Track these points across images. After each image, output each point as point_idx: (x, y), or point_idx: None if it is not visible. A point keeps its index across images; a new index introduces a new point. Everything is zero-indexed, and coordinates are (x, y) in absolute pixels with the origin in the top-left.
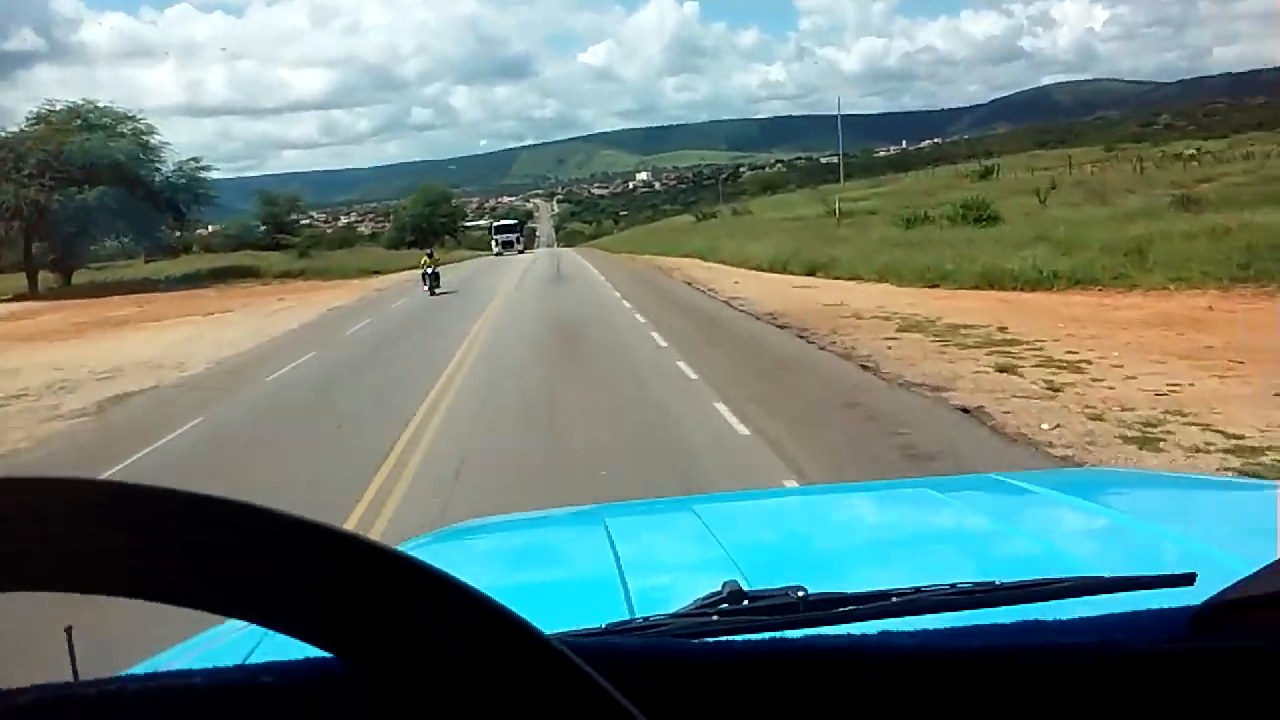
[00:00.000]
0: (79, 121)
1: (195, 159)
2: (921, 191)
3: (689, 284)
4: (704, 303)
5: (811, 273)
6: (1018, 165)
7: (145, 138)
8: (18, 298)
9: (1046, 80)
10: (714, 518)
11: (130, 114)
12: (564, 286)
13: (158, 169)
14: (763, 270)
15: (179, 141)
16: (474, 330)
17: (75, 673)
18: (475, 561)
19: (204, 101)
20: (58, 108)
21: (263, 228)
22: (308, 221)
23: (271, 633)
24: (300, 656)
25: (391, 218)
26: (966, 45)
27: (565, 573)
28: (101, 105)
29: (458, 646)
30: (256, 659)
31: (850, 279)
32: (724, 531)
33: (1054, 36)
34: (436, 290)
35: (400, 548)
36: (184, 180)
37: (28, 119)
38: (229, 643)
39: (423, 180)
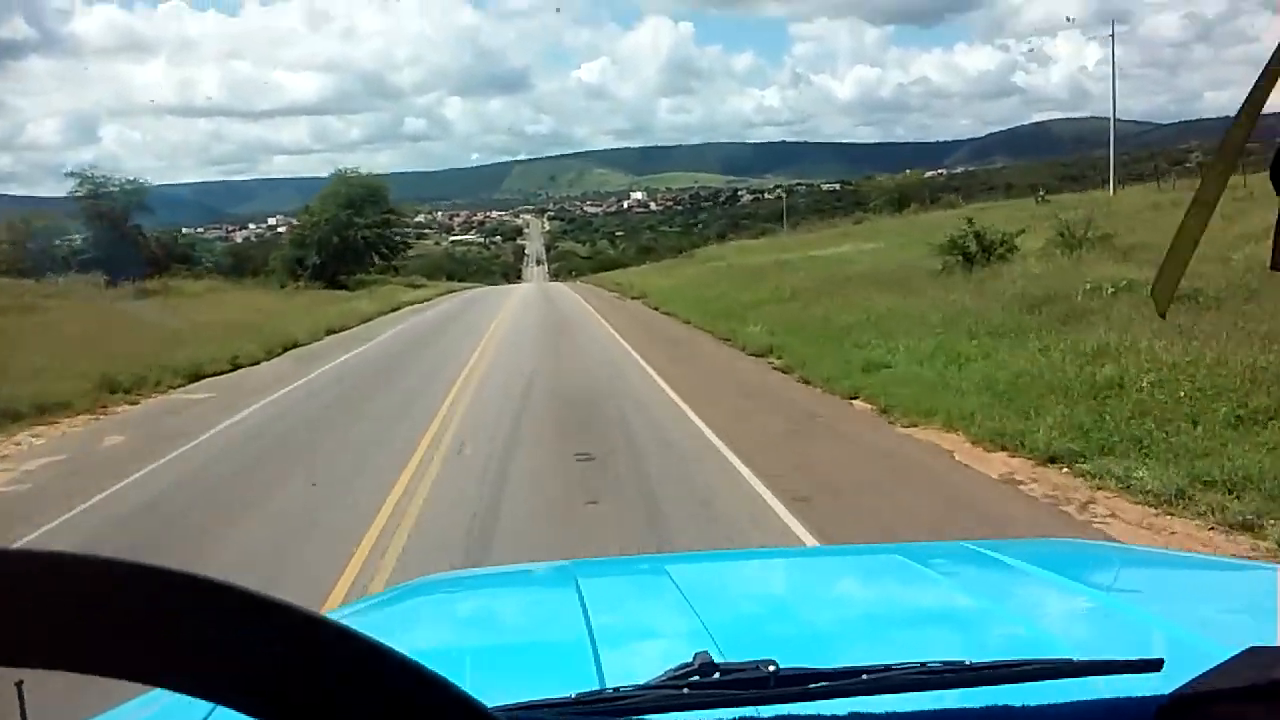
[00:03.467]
0: None
1: None
2: None
3: None
4: None
5: None
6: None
7: None
8: None
9: (1039, 116)
10: (686, 580)
11: None
12: None
13: None
14: None
15: (171, 141)
16: None
17: None
18: (443, 619)
19: (197, 102)
20: None
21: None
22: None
23: None
24: None
25: (296, 224)
26: (960, 79)
27: (534, 635)
28: None
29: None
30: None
31: None
32: (696, 596)
33: (1047, 74)
34: None
35: (366, 601)
36: None
37: None
38: (181, 701)
39: (413, 188)
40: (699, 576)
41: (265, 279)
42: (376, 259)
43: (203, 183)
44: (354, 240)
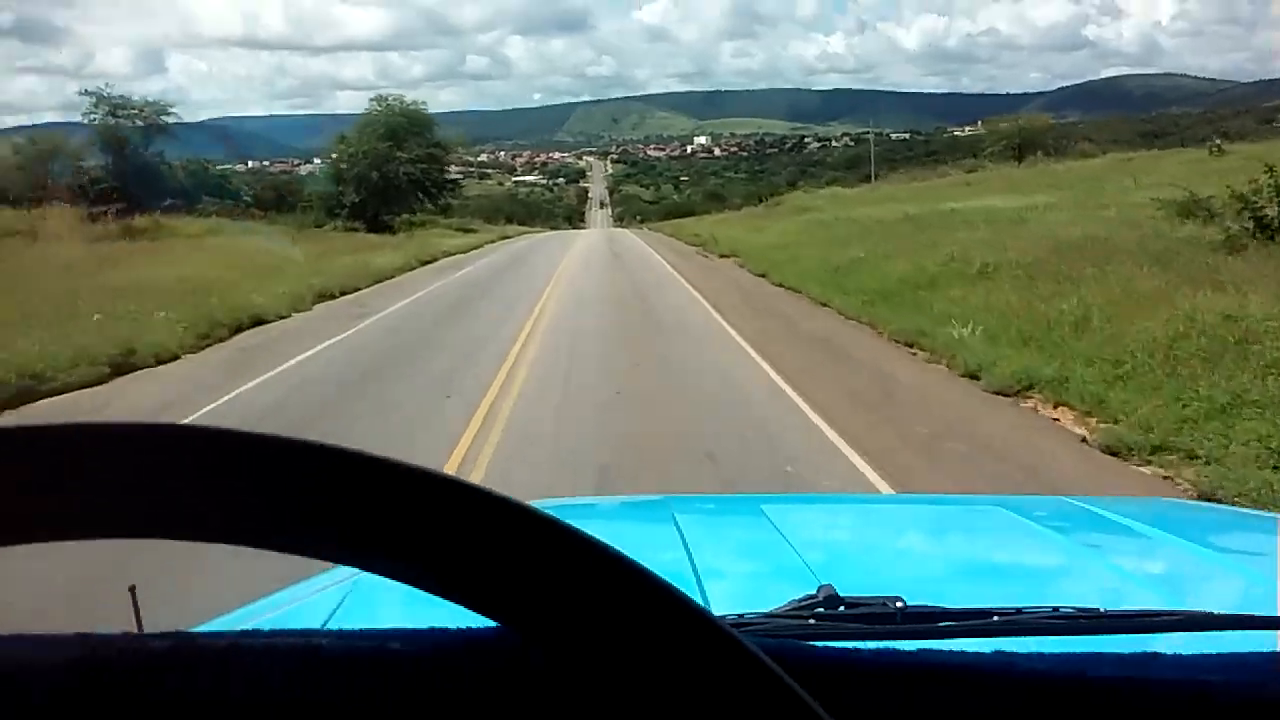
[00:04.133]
0: None
1: None
2: None
3: None
4: None
5: None
6: None
7: None
8: None
9: (1109, 72)
10: (783, 519)
11: None
12: None
13: None
14: None
15: (237, 75)
16: None
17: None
18: None
19: (260, 35)
20: None
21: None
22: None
23: (350, 598)
24: (390, 626)
25: (335, 158)
26: (1029, 30)
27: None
28: None
29: (633, 625)
30: (336, 624)
31: None
32: (795, 534)
33: (1119, 28)
34: None
35: None
36: None
37: None
38: (300, 608)
39: (475, 127)
40: (794, 517)
41: (302, 215)
42: (423, 198)
43: (271, 116)
44: (396, 176)
